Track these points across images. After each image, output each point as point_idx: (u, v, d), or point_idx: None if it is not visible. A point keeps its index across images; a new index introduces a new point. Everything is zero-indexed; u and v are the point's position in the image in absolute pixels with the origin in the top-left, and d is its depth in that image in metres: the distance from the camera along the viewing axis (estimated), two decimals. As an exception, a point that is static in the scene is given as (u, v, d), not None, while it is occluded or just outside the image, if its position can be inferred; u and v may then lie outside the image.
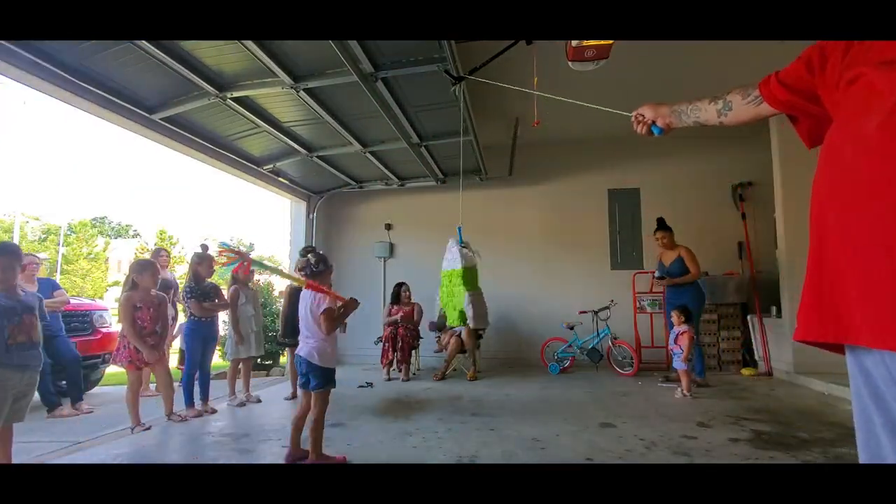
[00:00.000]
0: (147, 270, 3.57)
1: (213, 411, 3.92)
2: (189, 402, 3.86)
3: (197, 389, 3.95)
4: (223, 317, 4.66)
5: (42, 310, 2.73)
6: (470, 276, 3.63)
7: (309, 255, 2.81)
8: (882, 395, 0.79)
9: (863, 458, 0.84)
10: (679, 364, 4.31)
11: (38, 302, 2.68)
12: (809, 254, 0.91)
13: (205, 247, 4.17)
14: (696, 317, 4.79)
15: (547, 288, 6.58)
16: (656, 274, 5.22)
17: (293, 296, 4.78)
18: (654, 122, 1.41)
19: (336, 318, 2.63)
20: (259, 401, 4.31)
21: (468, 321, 3.78)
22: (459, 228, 3.65)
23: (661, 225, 5.13)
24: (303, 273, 2.80)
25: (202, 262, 4.05)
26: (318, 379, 2.60)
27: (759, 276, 5.73)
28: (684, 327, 4.37)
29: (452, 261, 3.66)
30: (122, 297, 3.48)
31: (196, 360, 3.92)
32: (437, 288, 6.22)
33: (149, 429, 3.39)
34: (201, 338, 3.95)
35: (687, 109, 1.32)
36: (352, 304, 2.73)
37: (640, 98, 5.17)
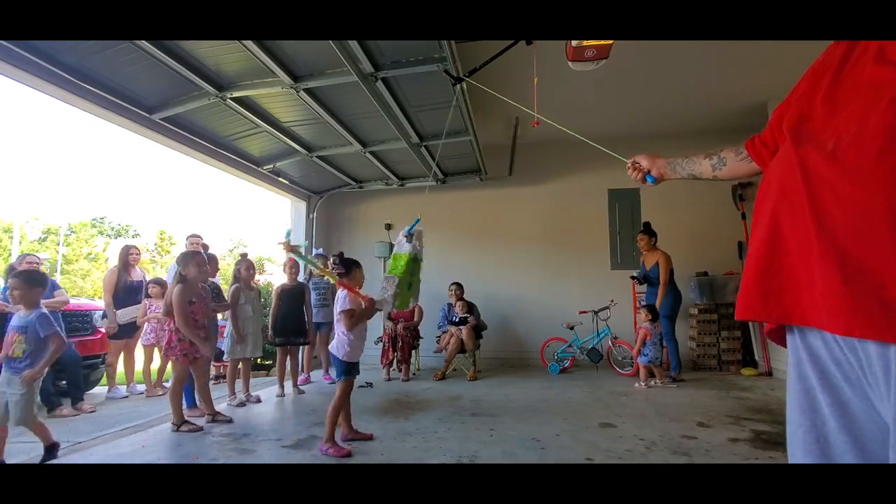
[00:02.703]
0: (192, 261, 3.47)
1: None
2: (190, 403, 3.85)
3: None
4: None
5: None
6: (409, 264, 3.46)
7: (332, 257, 3.24)
8: (830, 376, 0.86)
9: (805, 441, 0.91)
10: (640, 359, 4.82)
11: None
12: (755, 244, 0.97)
13: (205, 246, 4.17)
14: (672, 317, 5.16)
15: (547, 288, 6.58)
16: (634, 274, 5.62)
17: (283, 296, 4.82)
18: (648, 172, 1.49)
19: (355, 317, 2.95)
20: (259, 400, 4.31)
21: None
22: (417, 220, 3.62)
23: (645, 228, 5.47)
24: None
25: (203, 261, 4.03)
26: (338, 369, 3.01)
27: (759, 276, 5.72)
28: (645, 325, 4.83)
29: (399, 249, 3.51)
30: (174, 291, 3.37)
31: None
32: (437, 287, 6.26)
33: (200, 429, 3.34)
34: None
35: (682, 163, 1.40)
36: (369, 308, 3.02)
37: (640, 97, 5.19)
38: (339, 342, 2.97)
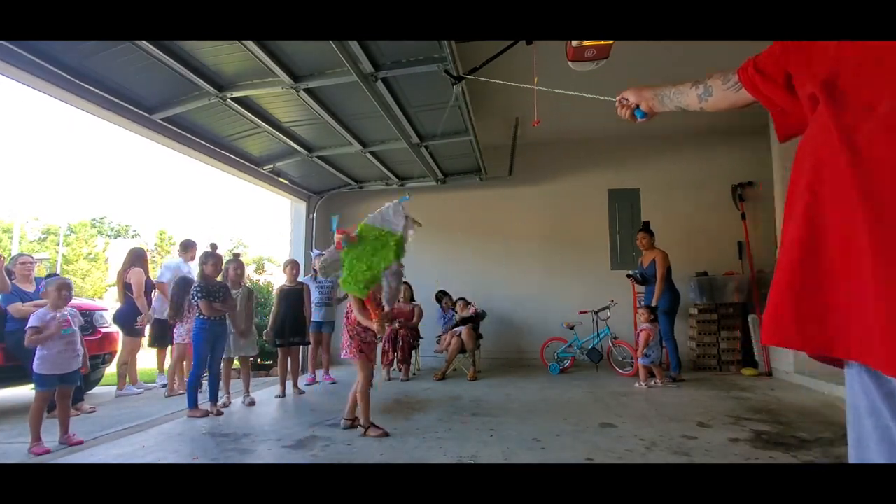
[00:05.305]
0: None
1: (220, 413, 3.89)
2: (192, 404, 3.84)
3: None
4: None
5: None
6: (401, 248, 3.03)
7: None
8: (879, 410, 0.71)
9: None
10: (641, 360, 4.79)
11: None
12: (787, 246, 0.80)
13: (213, 245, 4.14)
14: (671, 316, 5.16)
15: (547, 288, 6.58)
16: (631, 272, 5.65)
17: (282, 297, 4.81)
18: (637, 106, 1.39)
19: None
20: (253, 403, 4.24)
21: (381, 296, 3.05)
22: (406, 198, 3.23)
23: (644, 227, 5.53)
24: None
25: (208, 260, 3.99)
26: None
27: (759, 276, 5.73)
28: (646, 325, 4.80)
29: (393, 223, 3.06)
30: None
31: (203, 360, 3.89)
32: (435, 286, 6.27)
33: (387, 435, 3.09)
34: (210, 338, 3.89)
35: (670, 93, 1.29)
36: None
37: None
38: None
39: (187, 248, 5.44)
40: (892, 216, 0.61)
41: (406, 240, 2.97)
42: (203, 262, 4.01)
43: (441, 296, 6.13)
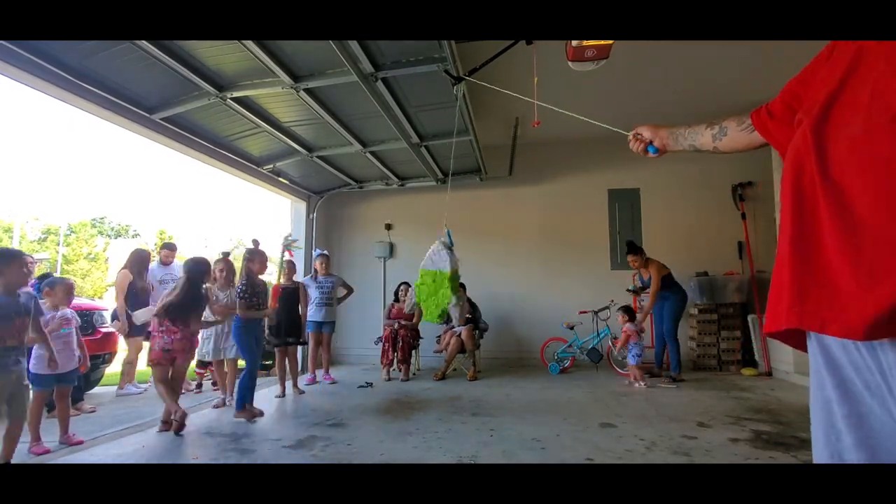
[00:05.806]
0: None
1: (225, 405, 3.89)
2: (241, 405, 3.74)
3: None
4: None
5: (38, 308, 2.78)
6: (456, 280, 3.61)
7: None
8: (849, 384, 0.79)
9: (822, 454, 0.83)
10: (630, 359, 4.95)
11: (32, 301, 2.74)
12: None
13: (256, 242, 4.06)
14: (676, 317, 5.23)
15: (547, 288, 6.58)
16: (631, 287, 5.88)
17: (285, 297, 4.79)
18: (650, 143, 1.45)
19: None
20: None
21: (452, 321, 3.96)
22: (449, 232, 3.68)
23: (630, 248, 5.46)
24: None
25: (254, 258, 3.90)
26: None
27: (759, 276, 5.73)
28: (628, 326, 4.98)
29: (440, 263, 3.55)
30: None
31: (256, 357, 3.84)
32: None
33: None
34: (254, 336, 3.84)
35: (685, 133, 1.35)
36: None
37: (641, 97, 5.17)
38: None
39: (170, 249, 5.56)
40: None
41: (457, 271, 3.42)
42: (248, 260, 3.87)
43: None
